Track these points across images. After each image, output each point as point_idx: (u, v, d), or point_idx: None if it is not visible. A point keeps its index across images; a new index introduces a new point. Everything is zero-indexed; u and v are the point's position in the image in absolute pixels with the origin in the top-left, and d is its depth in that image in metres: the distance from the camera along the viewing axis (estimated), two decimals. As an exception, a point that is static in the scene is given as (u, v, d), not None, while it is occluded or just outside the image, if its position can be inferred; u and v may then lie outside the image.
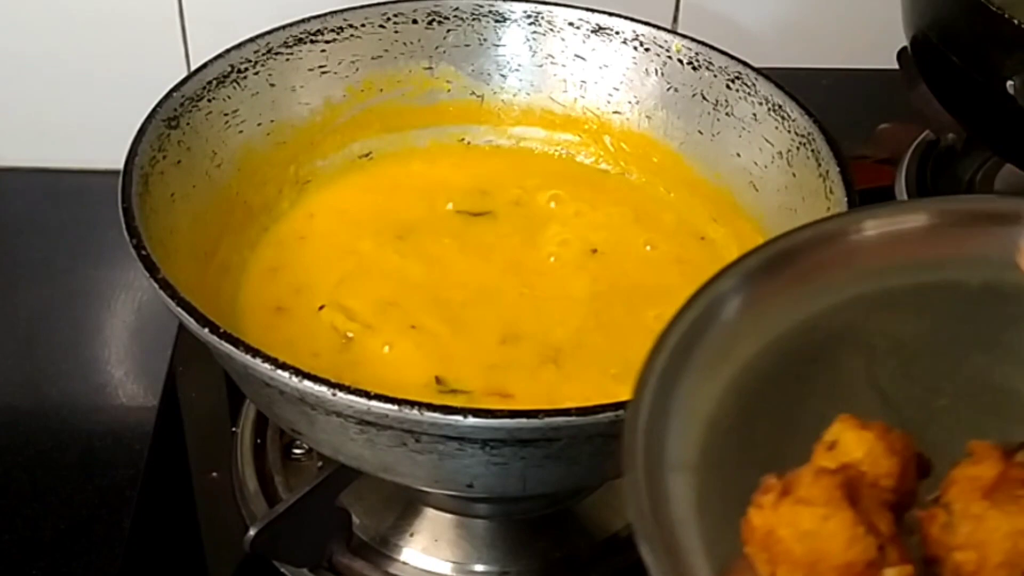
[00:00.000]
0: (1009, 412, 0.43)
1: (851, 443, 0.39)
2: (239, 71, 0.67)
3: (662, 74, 0.71)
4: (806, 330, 0.44)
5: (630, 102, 0.73)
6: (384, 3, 0.72)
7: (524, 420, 0.48)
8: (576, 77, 0.73)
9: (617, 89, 0.73)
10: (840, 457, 0.39)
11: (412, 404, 0.48)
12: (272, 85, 0.69)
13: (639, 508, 0.36)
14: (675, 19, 0.90)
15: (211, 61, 0.67)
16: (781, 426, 0.41)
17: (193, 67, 0.67)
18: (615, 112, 0.73)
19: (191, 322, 0.52)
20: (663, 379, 0.40)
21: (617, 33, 0.72)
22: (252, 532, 0.58)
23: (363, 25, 0.71)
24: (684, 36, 0.71)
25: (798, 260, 0.45)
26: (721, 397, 0.42)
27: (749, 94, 0.68)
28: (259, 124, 0.68)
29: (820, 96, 0.71)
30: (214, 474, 0.69)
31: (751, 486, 0.38)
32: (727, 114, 0.69)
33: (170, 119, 0.63)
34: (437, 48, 0.73)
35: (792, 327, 0.44)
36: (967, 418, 0.43)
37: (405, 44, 0.72)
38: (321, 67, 0.70)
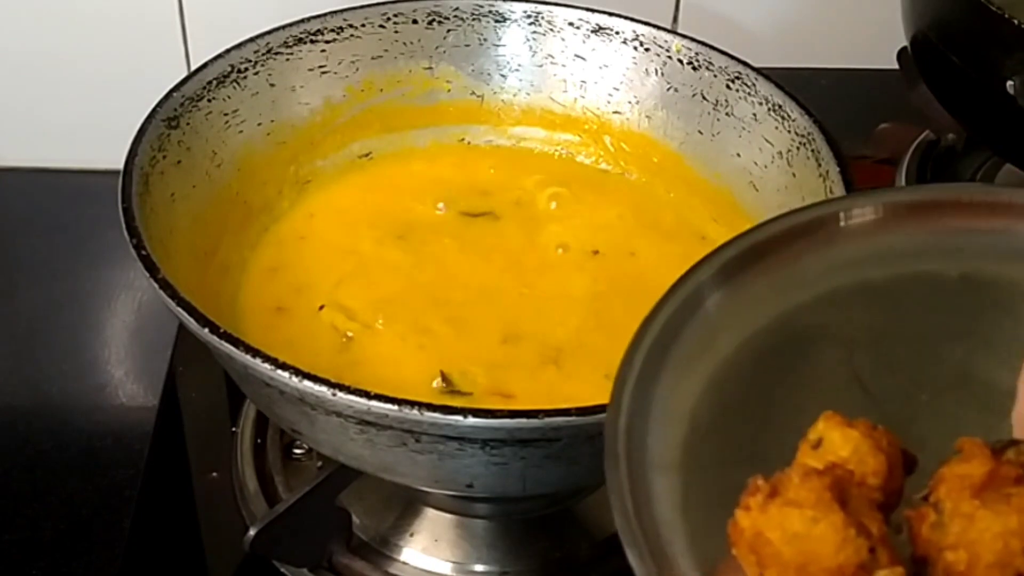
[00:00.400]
0: (991, 404, 0.43)
1: (837, 442, 0.39)
2: (239, 71, 0.67)
3: (662, 74, 0.71)
4: (785, 323, 0.44)
5: (630, 102, 0.73)
6: (384, 3, 0.72)
7: (524, 420, 0.48)
8: (576, 77, 0.73)
9: (617, 89, 0.73)
10: (826, 456, 0.38)
11: (412, 404, 0.48)
12: (272, 85, 0.69)
13: (623, 510, 0.36)
14: (675, 19, 0.90)
15: (211, 61, 0.67)
16: (762, 422, 0.41)
17: (193, 67, 0.67)
18: (615, 112, 0.73)
19: (191, 322, 0.52)
20: (642, 377, 0.40)
21: (617, 33, 0.72)
22: (252, 532, 0.58)
23: (363, 25, 0.71)
24: (684, 36, 0.71)
25: (776, 251, 0.45)
26: (701, 393, 0.41)
27: (749, 94, 0.68)
28: (259, 124, 0.68)
29: (820, 96, 0.71)
30: (214, 474, 0.69)
31: (735, 485, 0.37)
32: (727, 114, 0.69)
33: (170, 119, 0.63)
34: (437, 48, 0.73)
35: (771, 320, 0.44)
36: (950, 411, 0.43)
37: (405, 44, 0.72)
38: (321, 67, 0.70)
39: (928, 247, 0.46)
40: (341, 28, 0.71)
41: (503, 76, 0.74)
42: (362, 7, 0.71)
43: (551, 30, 0.73)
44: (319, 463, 0.67)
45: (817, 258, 0.45)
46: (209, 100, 0.66)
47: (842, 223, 0.46)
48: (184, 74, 0.66)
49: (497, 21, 0.73)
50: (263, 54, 0.68)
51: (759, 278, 0.44)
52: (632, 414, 0.39)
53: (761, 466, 0.38)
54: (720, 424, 0.41)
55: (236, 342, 0.51)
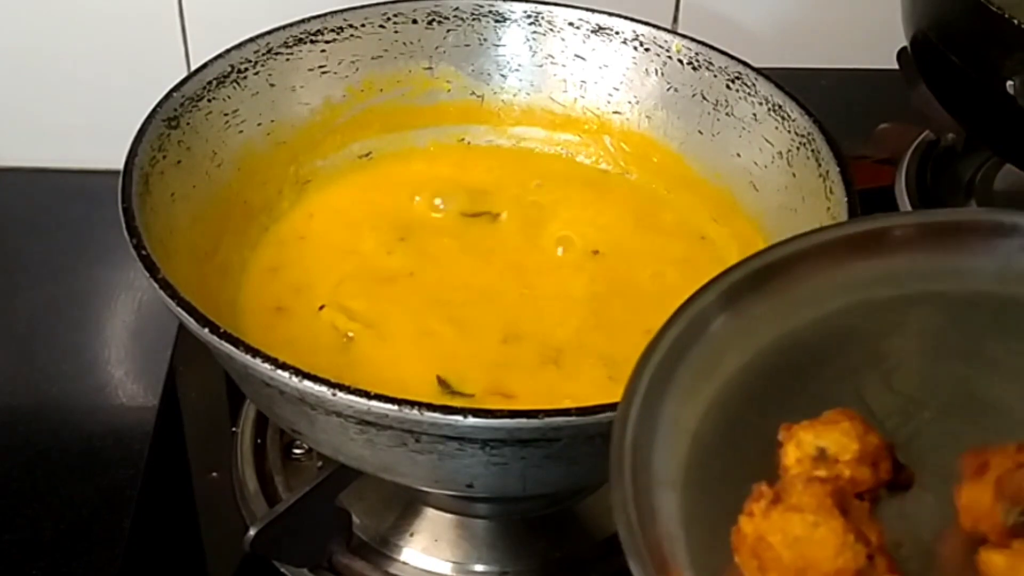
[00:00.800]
0: (994, 424, 0.43)
1: (841, 441, 0.39)
2: (239, 71, 0.67)
3: (662, 74, 0.71)
4: (789, 344, 0.45)
5: (630, 102, 0.73)
6: (384, 3, 0.72)
7: (524, 420, 0.48)
8: (576, 77, 0.73)
9: (617, 89, 0.73)
10: (842, 456, 0.39)
11: (412, 404, 0.48)
12: (272, 85, 0.69)
13: (628, 524, 0.37)
14: (675, 19, 0.90)
15: (211, 61, 0.67)
16: (765, 441, 0.42)
17: (193, 67, 0.67)
18: (615, 112, 0.73)
19: (191, 322, 0.52)
20: (648, 396, 0.41)
21: (617, 33, 0.72)
22: (252, 532, 0.58)
23: (363, 25, 0.71)
24: (684, 36, 0.71)
25: (781, 274, 0.45)
26: (705, 413, 0.42)
27: (749, 94, 0.68)
28: (259, 124, 0.68)
29: (820, 96, 0.71)
30: (214, 474, 0.69)
31: (736, 501, 0.38)
32: (727, 114, 0.69)
33: (170, 119, 0.63)
34: (437, 48, 0.73)
35: (775, 341, 0.45)
36: (952, 430, 0.43)
37: (405, 44, 0.72)
38: (321, 67, 0.70)
39: (934, 269, 0.46)
40: (341, 28, 0.71)
41: (503, 76, 0.74)
42: (362, 7, 0.71)
43: (551, 30, 0.73)
44: (319, 463, 0.67)
45: (821, 281, 0.46)
46: (209, 100, 0.66)
47: (847, 247, 0.46)
48: (184, 74, 0.66)
49: (497, 21, 0.73)
50: (263, 54, 0.68)
51: (763, 301, 0.45)
52: (638, 431, 0.40)
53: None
54: (724, 443, 0.42)
55: (236, 342, 0.51)
